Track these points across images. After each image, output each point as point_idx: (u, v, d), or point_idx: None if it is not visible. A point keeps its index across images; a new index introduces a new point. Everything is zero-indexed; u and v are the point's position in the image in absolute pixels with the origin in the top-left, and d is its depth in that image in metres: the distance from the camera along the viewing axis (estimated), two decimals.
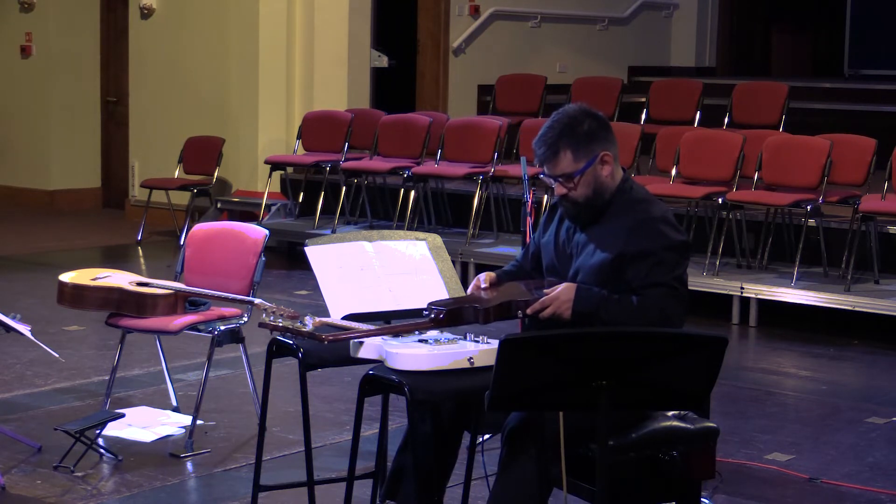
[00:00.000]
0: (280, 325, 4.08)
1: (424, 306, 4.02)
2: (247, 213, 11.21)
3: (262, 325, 4.09)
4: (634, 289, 3.83)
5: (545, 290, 3.92)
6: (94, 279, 5.72)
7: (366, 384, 4.02)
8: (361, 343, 3.98)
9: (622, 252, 3.84)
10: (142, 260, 10.65)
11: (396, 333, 4.02)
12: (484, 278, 4.10)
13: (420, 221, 10.16)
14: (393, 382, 3.88)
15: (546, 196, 8.81)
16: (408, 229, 9.34)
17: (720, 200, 8.69)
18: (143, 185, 11.73)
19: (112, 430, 5.69)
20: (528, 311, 3.91)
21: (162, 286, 5.72)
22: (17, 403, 6.32)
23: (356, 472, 4.23)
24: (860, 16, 14.35)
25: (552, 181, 3.97)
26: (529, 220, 5.64)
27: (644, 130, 9.71)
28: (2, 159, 13.48)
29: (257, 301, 5.46)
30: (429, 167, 10.07)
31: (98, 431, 5.53)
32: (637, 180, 9.61)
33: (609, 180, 3.96)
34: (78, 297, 5.68)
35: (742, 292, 8.42)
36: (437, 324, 3.95)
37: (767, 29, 15.81)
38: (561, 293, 3.87)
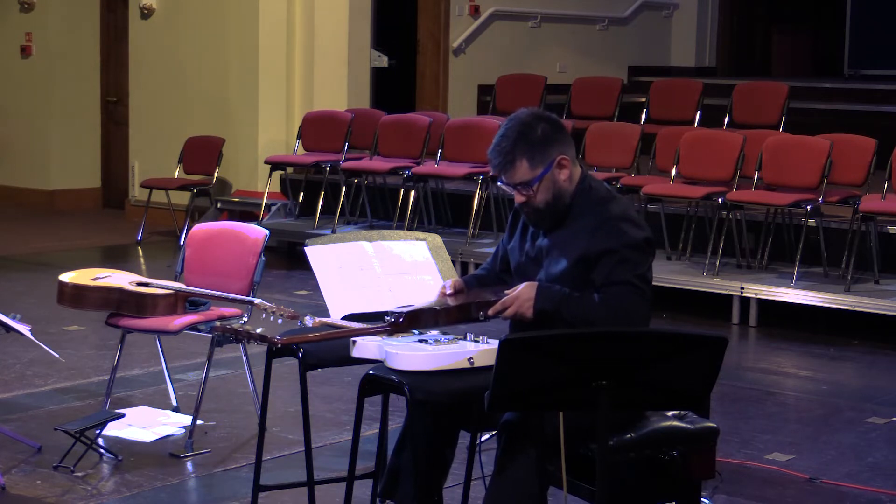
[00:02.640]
0: (228, 327, 4.11)
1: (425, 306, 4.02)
2: (247, 213, 11.21)
3: (213, 329, 4.10)
4: (598, 287, 3.81)
5: (506, 291, 3.91)
6: (94, 279, 5.72)
7: (366, 384, 4.03)
8: (359, 343, 3.98)
9: (584, 254, 3.83)
10: (142, 260, 10.64)
11: (362, 335, 4.01)
12: (449, 284, 4.07)
13: (420, 221, 10.16)
14: (393, 382, 3.88)
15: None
16: (408, 229, 9.34)
17: (720, 200, 8.69)
18: (143, 185, 11.73)
19: (112, 430, 5.69)
20: (490, 311, 3.91)
21: (162, 286, 5.71)
22: (17, 403, 6.32)
23: (356, 472, 4.23)
24: (860, 16, 14.35)
25: (511, 189, 3.96)
26: None
27: (644, 130, 9.72)
28: (2, 159, 13.48)
29: (257, 301, 5.45)
30: (429, 167, 10.07)
31: (98, 431, 5.53)
32: (637, 180, 9.63)
33: (567, 183, 3.93)
34: (78, 297, 5.68)
35: (742, 292, 8.42)
36: (396, 327, 3.96)
37: (767, 29, 15.80)
38: (522, 292, 3.86)
